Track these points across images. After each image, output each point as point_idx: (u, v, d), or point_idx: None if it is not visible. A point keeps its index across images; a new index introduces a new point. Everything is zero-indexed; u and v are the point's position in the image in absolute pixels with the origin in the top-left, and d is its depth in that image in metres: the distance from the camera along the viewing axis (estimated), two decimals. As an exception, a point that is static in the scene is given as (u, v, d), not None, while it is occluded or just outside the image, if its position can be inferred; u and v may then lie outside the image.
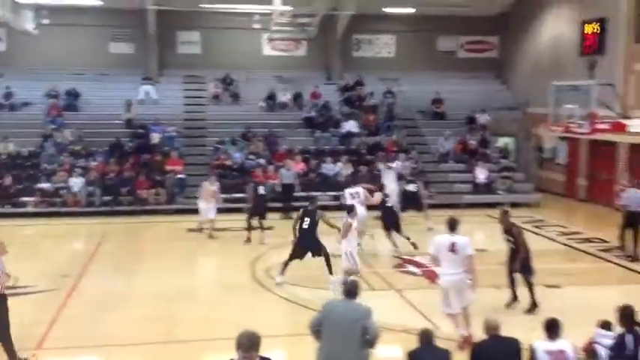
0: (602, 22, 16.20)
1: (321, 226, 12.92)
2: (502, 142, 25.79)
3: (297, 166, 21.47)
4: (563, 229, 18.65)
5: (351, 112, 25.52)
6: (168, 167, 21.53)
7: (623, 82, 20.43)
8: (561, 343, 6.62)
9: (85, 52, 26.62)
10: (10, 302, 8.81)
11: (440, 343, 7.13)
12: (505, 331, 6.84)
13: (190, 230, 17.84)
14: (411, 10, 27.18)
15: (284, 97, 25.99)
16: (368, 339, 6.57)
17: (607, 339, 6.97)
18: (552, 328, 6.71)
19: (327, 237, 13.01)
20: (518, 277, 11.31)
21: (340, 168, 22.12)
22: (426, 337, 6.90)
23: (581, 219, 21.19)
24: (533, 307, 11.05)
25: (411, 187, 18.16)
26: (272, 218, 18.03)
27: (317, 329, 6.73)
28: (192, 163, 22.48)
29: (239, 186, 20.10)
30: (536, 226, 18.77)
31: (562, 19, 24.59)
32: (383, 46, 29.18)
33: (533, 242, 15.65)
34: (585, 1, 22.80)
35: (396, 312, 11.17)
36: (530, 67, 26.92)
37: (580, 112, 15.22)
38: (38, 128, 23.06)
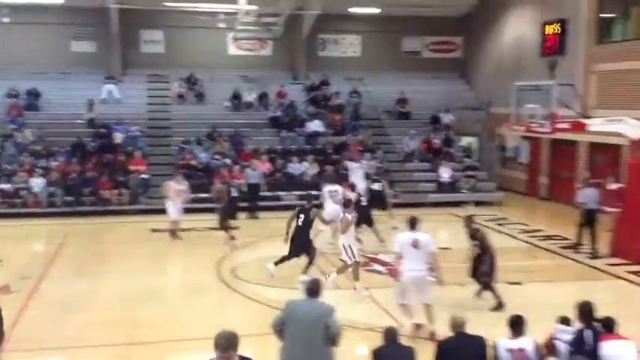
0: (562, 23, 16.48)
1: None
2: (466, 141, 26.10)
3: (263, 166, 21.43)
4: (525, 226, 18.94)
5: (316, 112, 25.56)
6: (132, 167, 21.32)
7: (584, 83, 20.82)
8: (523, 342, 6.70)
9: (46, 50, 26.21)
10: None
11: (404, 341, 7.17)
12: (470, 328, 6.92)
13: (154, 230, 17.69)
14: (376, 11, 27.32)
15: (249, 96, 25.91)
16: (330, 337, 6.59)
17: (566, 334, 7.09)
18: (516, 326, 6.80)
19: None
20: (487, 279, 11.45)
21: (306, 168, 22.15)
22: (390, 334, 6.94)
23: (542, 217, 21.55)
24: (500, 305, 11.16)
25: (376, 186, 18.22)
26: (238, 218, 18.01)
27: (279, 329, 6.72)
28: (156, 163, 22.27)
29: (204, 186, 19.99)
30: (499, 224, 19.02)
31: (524, 20, 24.96)
32: (348, 46, 29.28)
33: (496, 240, 15.86)
34: (547, 3, 23.18)
35: (361, 310, 11.22)
36: (493, 68, 27.27)
37: (541, 111, 15.44)
38: (-2, 128, 22.66)
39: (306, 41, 28.06)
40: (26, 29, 25.75)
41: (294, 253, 12.83)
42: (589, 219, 15.41)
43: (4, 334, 8.50)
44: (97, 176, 20.69)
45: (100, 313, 11.15)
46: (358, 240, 15.04)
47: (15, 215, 19.45)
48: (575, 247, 15.74)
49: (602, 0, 20.99)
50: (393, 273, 13.16)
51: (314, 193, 20.86)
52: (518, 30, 25.48)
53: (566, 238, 16.49)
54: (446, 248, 13.83)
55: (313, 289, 6.90)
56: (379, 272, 13.81)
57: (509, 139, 23.40)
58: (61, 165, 21.02)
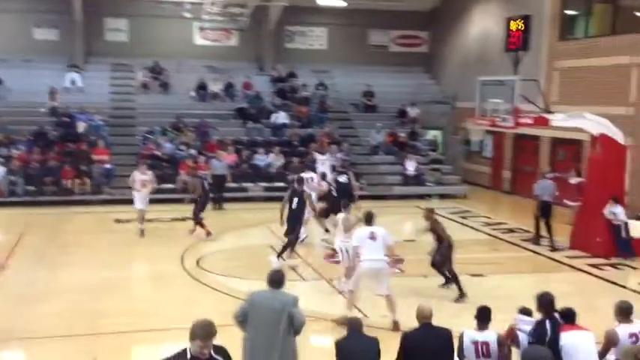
0: (526, 19, 16.66)
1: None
2: (431, 135, 26.30)
3: (229, 158, 21.29)
4: (488, 219, 19.20)
5: (283, 104, 25.51)
6: (95, 157, 21.03)
7: (547, 79, 21.14)
8: (487, 334, 6.79)
9: (7, 38, 25.59)
10: None
11: (369, 332, 7.21)
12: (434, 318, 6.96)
13: (118, 221, 17.50)
14: (343, 4, 27.30)
15: (215, 87, 25.74)
16: (294, 327, 6.60)
17: (527, 325, 7.20)
18: (482, 318, 6.85)
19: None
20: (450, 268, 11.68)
21: (272, 159, 22.10)
22: (354, 325, 6.97)
23: (505, 210, 21.86)
24: (462, 295, 11.39)
25: (342, 179, 18.27)
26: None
27: (242, 319, 6.70)
28: (120, 152, 22.01)
29: (169, 176, 19.83)
30: (463, 217, 19.25)
31: (489, 15, 25.22)
32: (315, 38, 29.24)
33: (460, 233, 16.13)
34: (511, -1, 23.46)
35: (326, 301, 11.26)
36: (458, 62, 27.51)
37: (505, 106, 15.63)
38: (-43, 116, 22.14)
39: (273, 33, 27.95)
40: (-13, 16, 25.22)
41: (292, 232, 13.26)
42: (544, 211, 15.72)
43: None
44: (59, 165, 20.39)
45: (63, 304, 11.00)
46: (326, 230, 15.14)
47: (-26, 204, 19.08)
48: (535, 239, 16.03)
49: (565, -3, 21.36)
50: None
51: (280, 184, 21.24)
52: (483, 25, 25.74)
53: (527, 231, 16.76)
54: (411, 240, 13.95)
55: (276, 280, 6.87)
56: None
57: (474, 133, 23.66)
58: (22, 154, 20.64)
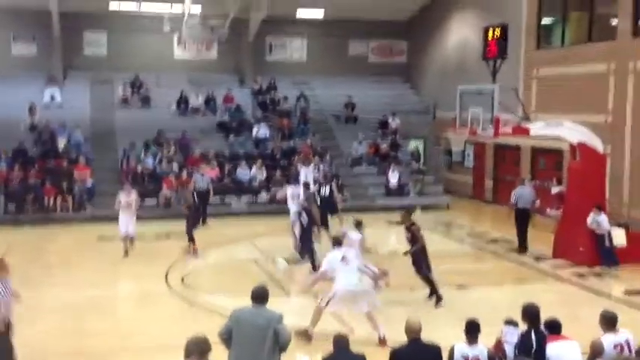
0: (503, 28, 16.81)
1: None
2: (412, 145, 26.39)
3: (211, 172, 21.17)
4: (472, 230, 19.28)
5: (264, 116, 25.51)
6: (76, 174, 20.85)
7: (525, 87, 21.35)
8: (478, 349, 6.80)
9: (-16, 54, 25.45)
10: None
11: (355, 348, 7.20)
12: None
13: (101, 239, 17.37)
14: (322, 14, 27.41)
15: (196, 101, 25.66)
16: (280, 344, 6.57)
17: (513, 336, 7.23)
18: (471, 331, 6.86)
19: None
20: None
21: (254, 173, 22.06)
22: (341, 342, 6.95)
23: (487, 220, 21.95)
24: (438, 300, 11.74)
25: (324, 191, 18.28)
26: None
27: (226, 337, 6.64)
28: (101, 168, 21.87)
29: (151, 192, 19.73)
30: (446, 228, 19.33)
31: (467, 24, 25.44)
32: (295, 49, 29.31)
33: (444, 244, 16.22)
34: (489, 8, 23.67)
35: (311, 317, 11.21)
36: (437, 72, 27.69)
37: (484, 115, 15.73)
38: None
39: (253, 45, 27.96)
40: (-36, 32, 25.01)
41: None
42: (521, 218, 15.96)
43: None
44: (40, 183, 20.19)
45: (47, 324, 10.87)
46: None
47: (-47, 224, 18.82)
48: (519, 249, 16.14)
49: (542, 5, 21.59)
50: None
51: (263, 198, 21.23)
52: (461, 35, 25.96)
53: (511, 241, 16.86)
54: (394, 252, 13.97)
55: (260, 296, 6.83)
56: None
57: (455, 143, 23.80)
58: (1, 172, 20.43)
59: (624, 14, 18.14)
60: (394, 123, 25.89)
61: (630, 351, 6.83)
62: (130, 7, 24.81)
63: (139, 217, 16.16)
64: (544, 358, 6.79)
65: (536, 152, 21.79)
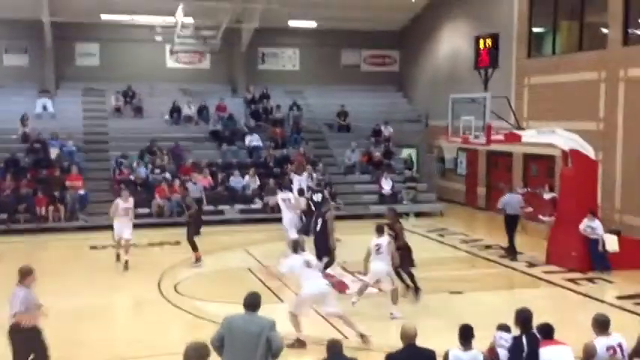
0: (494, 37, 16.92)
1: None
2: (405, 153, 26.47)
3: (204, 181, 21.17)
4: (465, 236, 19.32)
5: (257, 125, 25.54)
6: (68, 183, 20.80)
7: (516, 95, 21.46)
8: (473, 354, 6.82)
9: (-23, 65, 25.43)
10: None
11: (349, 353, 7.20)
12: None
13: (93, 248, 17.32)
14: (314, 24, 27.53)
15: (189, 110, 25.68)
16: (273, 351, 6.55)
17: (506, 342, 7.25)
18: (465, 336, 6.88)
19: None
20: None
21: (248, 181, 22.06)
22: (334, 348, 6.94)
23: (481, 226, 22.03)
24: (417, 291, 12.37)
25: (317, 198, 18.30)
26: (178, 233, 17.75)
27: (218, 344, 6.60)
28: (94, 178, 21.83)
29: (144, 201, 19.69)
30: (440, 235, 19.36)
31: (458, 34, 25.58)
32: (288, 59, 29.40)
33: (438, 250, 16.25)
34: (480, 17, 23.82)
35: (304, 323, 11.18)
36: (429, 81, 27.82)
37: (477, 123, 15.82)
38: None
39: (245, 54, 28.02)
40: (-45, 42, 24.98)
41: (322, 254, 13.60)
42: (509, 224, 16.16)
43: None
44: (32, 193, 20.13)
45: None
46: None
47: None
48: (508, 254, 16.28)
49: (532, 15, 21.74)
50: (337, 286, 13.34)
51: (255, 206, 21.22)
52: (452, 44, 26.09)
53: (504, 248, 16.89)
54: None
55: (251, 303, 6.82)
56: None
57: (447, 151, 23.89)
58: (-7, 182, 20.38)
59: (614, 23, 18.28)
60: (387, 131, 25.96)
61: (623, 354, 6.86)
62: (122, 17, 24.83)
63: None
64: (535, 361, 6.81)
65: (529, 159, 21.88)
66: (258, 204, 21.53)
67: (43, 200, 20.00)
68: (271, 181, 21.85)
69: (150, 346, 9.97)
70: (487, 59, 16.89)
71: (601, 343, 6.85)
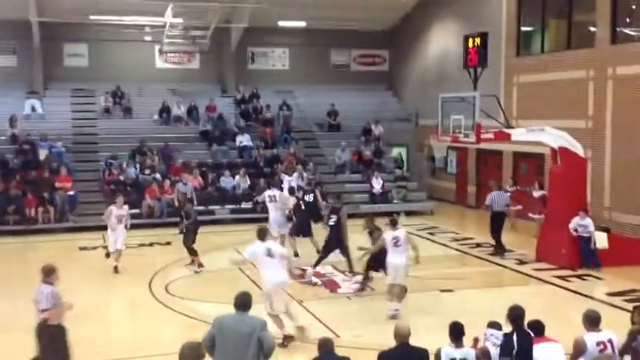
0: (483, 36, 16.98)
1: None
2: (395, 152, 26.51)
3: (194, 181, 21.13)
4: (456, 235, 19.39)
5: (247, 125, 25.51)
6: (58, 184, 20.71)
7: (506, 94, 21.54)
8: (465, 352, 6.83)
9: (-36, 65, 25.25)
10: None
11: (340, 352, 7.20)
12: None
13: (83, 249, 17.24)
14: (304, 24, 27.52)
15: (178, 110, 25.62)
16: (264, 351, 6.53)
17: (497, 339, 7.27)
18: (456, 333, 6.89)
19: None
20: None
21: (238, 181, 22.03)
22: (326, 346, 6.94)
23: (471, 225, 22.07)
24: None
25: (308, 198, 18.30)
26: (169, 233, 17.73)
27: (209, 345, 6.57)
28: (83, 179, 21.75)
29: (134, 202, 19.63)
30: (430, 233, 19.41)
31: (447, 33, 25.64)
32: (277, 58, 29.37)
33: (428, 249, 16.26)
34: (468, 17, 23.89)
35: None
36: (418, 80, 27.87)
37: (466, 122, 15.88)
38: None
39: (235, 54, 27.99)
40: (-58, 43, 24.80)
41: (328, 251, 13.97)
42: (495, 221, 16.26)
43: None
44: (21, 194, 20.03)
45: (29, 335, 10.73)
46: (296, 254, 15.13)
47: None
48: (496, 250, 16.39)
49: (521, 13, 21.82)
50: (329, 285, 13.35)
51: (245, 206, 21.16)
52: (441, 43, 26.15)
53: (494, 245, 16.95)
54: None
55: (242, 303, 6.79)
56: (314, 284, 13.84)
57: (437, 150, 23.94)
58: (-18, 183, 20.25)
59: (602, 22, 18.38)
60: (377, 130, 25.99)
61: (613, 349, 6.90)
62: (111, 17, 24.74)
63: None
64: (528, 358, 6.83)
65: (518, 157, 21.96)
66: (248, 204, 21.49)
67: (33, 201, 19.90)
68: (262, 181, 21.84)
69: (141, 347, 9.95)
70: (476, 58, 16.95)
71: (591, 339, 6.88)
